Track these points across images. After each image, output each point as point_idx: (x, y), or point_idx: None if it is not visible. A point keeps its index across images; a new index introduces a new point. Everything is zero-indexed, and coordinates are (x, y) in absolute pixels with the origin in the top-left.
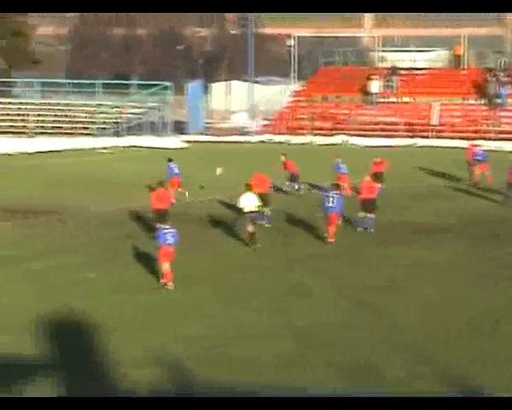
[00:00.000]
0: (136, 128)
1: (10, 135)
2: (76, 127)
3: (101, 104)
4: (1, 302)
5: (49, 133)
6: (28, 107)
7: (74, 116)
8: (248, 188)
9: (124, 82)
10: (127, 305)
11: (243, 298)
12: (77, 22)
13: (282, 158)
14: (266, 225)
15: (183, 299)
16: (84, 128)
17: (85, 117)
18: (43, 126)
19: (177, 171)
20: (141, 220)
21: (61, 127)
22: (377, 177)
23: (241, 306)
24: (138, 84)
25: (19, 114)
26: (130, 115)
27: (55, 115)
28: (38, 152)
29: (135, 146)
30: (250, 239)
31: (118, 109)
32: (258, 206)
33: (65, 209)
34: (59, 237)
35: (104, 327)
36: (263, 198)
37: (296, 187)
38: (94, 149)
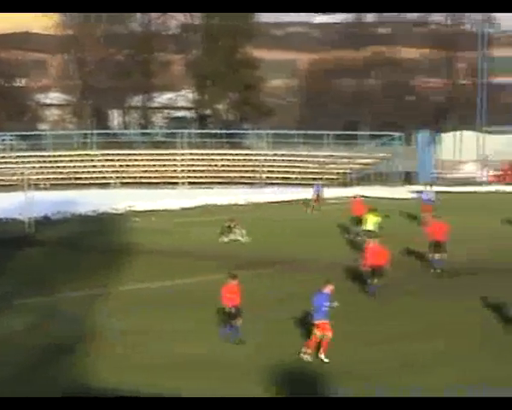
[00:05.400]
0: (364, 178)
1: (240, 185)
2: (305, 177)
3: (330, 155)
4: None
5: (279, 183)
6: (259, 158)
7: (304, 167)
8: None
9: (353, 133)
10: None
11: None
12: (307, 74)
13: None
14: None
15: None
16: (314, 179)
17: (315, 168)
18: (272, 177)
19: None
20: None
21: (290, 178)
22: None
23: None
24: (368, 135)
25: (249, 165)
26: (359, 166)
27: (285, 166)
28: (269, 202)
29: (363, 196)
30: None
31: (347, 160)
32: None
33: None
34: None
35: None
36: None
37: None
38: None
